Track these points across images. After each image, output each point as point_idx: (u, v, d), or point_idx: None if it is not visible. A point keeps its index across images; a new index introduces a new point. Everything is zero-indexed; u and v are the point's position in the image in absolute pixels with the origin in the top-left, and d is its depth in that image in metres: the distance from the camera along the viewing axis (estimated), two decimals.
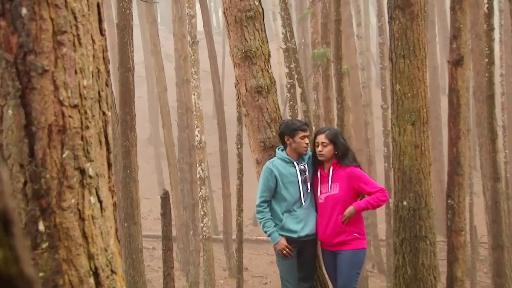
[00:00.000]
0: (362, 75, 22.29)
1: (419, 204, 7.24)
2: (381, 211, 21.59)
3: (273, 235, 6.44)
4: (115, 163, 11.47)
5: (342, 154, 6.40)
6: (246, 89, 6.78)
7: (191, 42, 15.20)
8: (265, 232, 6.56)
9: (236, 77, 6.92)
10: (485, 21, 9.71)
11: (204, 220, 14.85)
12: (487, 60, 9.78)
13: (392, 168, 7.67)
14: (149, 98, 31.16)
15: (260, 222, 6.56)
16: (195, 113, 15.30)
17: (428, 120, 7.35)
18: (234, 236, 17.27)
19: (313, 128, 13.46)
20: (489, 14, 9.29)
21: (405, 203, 7.28)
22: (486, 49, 9.79)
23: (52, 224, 1.85)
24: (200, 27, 21.93)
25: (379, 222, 20.89)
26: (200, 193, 14.88)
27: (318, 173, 6.52)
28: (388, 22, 7.49)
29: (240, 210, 12.69)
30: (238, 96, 7.08)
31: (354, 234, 6.38)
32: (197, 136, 15.00)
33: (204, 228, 14.96)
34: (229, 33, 6.90)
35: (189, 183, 19.01)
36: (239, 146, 12.87)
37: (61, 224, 1.89)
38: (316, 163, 6.54)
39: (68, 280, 1.88)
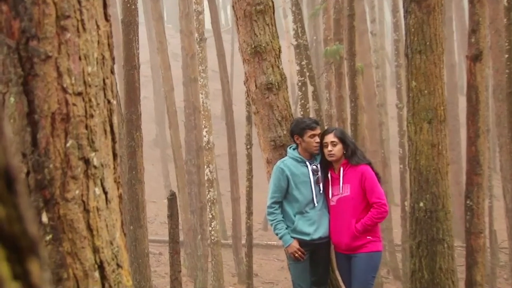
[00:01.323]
0: (377, 73, 22.26)
1: (436, 206, 7.21)
2: (396, 215, 21.56)
3: (284, 238, 6.43)
4: (120, 164, 11.50)
5: (352, 152, 6.40)
6: (255, 86, 6.78)
7: (198, 39, 15.22)
8: (277, 234, 6.55)
9: (245, 73, 6.93)
10: (505, 15, 9.65)
11: (213, 224, 14.86)
12: (507, 56, 9.72)
13: (408, 169, 7.66)
14: (155, 98, 31.22)
15: (271, 224, 6.54)
16: (202, 113, 15.31)
17: (445, 118, 7.32)
18: (243, 241, 17.24)
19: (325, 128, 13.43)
20: (509, 8, 9.24)
21: (421, 204, 7.25)
22: (506, 44, 9.74)
23: (55, 216, 1.85)
24: (207, 25, 21.94)
25: (395, 226, 20.82)
26: (208, 196, 14.89)
27: (329, 175, 6.51)
28: (404, 16, 7.48)
29: (249, 213, 12.68)
30: (247, 93, 7.10)
31: (368, 237, 6.36)
32: (205, 136, 15.01)
33: (213, 232, 14.96)
34: (238, 28, 6.91)
35: (197, 186, 19.01)
36: (248, 147, 12.87)
37: (65, 216, 1.89)
38: (326, 165, 6.53)
39: (72, 273, 1.88)
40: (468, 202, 7.94)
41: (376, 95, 21.44)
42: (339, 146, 6.39)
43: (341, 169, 6.43)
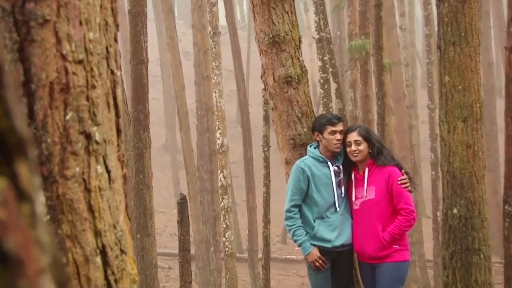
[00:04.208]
0: (406, 72, 22.19)
1: (471, 213, 7.16)
2: (427, 228, 21.46)
3: (304, 245, 6.39)
4: (128, 180, 11.54)
5: (378, 151, 6.35)
6: (273, 79, 6.77)
7: (212, 33, 15.25)
8: (295, 241, 6.52)
9: (262, 66, 6.92)
10: None
11: (227, 234, 14.84)
12: None
13: (440, 176, 7.61)
14: (165, 99, 31.29)
15: (290, 230, 6.51)
16: (216, 113, 15.33)
17: (481, 116, 7.28)
18: (260, 255, 17.22)
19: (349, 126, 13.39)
20: None
21: (455, 211, 7.21)
22: None
23: (54, 195, 1.85)
24: (222, 21, 21.99)
25: (426, 240, 20.72)
26: (222, 204, 14.89)
27: (352, 176, 6.48)
28: (436, 5, 7.45)
29: (267, 221, 12.67)
30: (264, 87, 7.07)
31: (395, 246, 6.32)
32: (219, 139, 15.02)
33: (227, 243, 14.95)
34: (254, 16, 6.91)
35: (210, 194, 19.03)
36: (265, 149, 12.86)
37: (64, 195, 1.88)
38: (349, 166, 6.49)
39: (72, 258, 1.87)
40: (506, 207, 7.88)
41: (405, 95, 21.37)
42: (363, 145, 6.35)
43: (366, 170, 6.39)
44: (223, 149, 14.97)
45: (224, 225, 14.92)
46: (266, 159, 12.79)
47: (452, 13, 7.16)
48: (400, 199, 6.28)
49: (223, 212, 14.94)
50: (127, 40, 14.53)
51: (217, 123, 15.21)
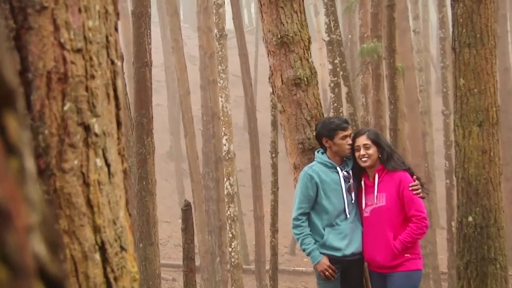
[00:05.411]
0: (420, 77, 22.17)
1: (487, 221, 7.14)
2: (441, 239, 21.41)
3: (313, 254, 6.37)
4: (129, 175, 11.54)
5: (388, 156, 6.32)
6: (282, 81, 6.76)
7: (218, 36, 15.26)
8: (304, 250, 6.50)
9: (270, 67, 6.91)
10: None
11: (233, 244, 14.83)
12: None
13: (455, 185, 7.59)
14: (170, 105, 31.36)
15: (298, 239, 6.49)
16: (222, 118, 15.33)
17: (498, 120, 7.27)
18: (267, 266, 17.20)
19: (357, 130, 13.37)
20: None
21: (470, 219, 7.18)
22: None
23: (51, 189, 1.85)
24: (229, 24, 22.02)
25: (440, 251, 20.67)
26: (228, 212, 14.87)
27: (362, 183, 6.45)
28: (451, 5, 7.44)
29: (274, 231, 12.65)
30: (272, 90, 7.07)
31: (406, 255, 6.30)
32: (225, 145, 15.02)
33: (233, 254, 14.93)
34: (262, 16, 6.91)
35: (215, 202, 19.03)
36: (273, 155, 12.86)
37: (62, 189, 1.88)
38: (359, 172, 6.47)
39: (70, 255, 1.87)
40: None
41: (419, 101, 21.35)
42: (373, 149, 6.31)
43: (376, 175, 6.36)
44: (229, 155, 14.95)
45: (230, 235, 14.90)
46: (274, 166, 12.78)
47: (467, 13, 7.15)
48: (411, 205, 6.25)
49: (229, 221, 14.92)
50: (130, 43, 14.52)
51: (223, 128, 15.21)
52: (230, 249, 15.15)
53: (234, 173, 15.23)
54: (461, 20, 7.19)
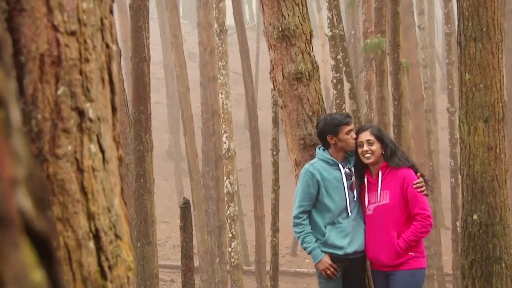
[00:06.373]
0: (425, 73, 22.17)
1: (492, 219, 7.12)
2: (446, 240, 21.39)
3: (314, 252, 6.36)
4: (126, 173, 11.52)
5: (391, 152, 6.31)
6: (283, 75, 6.75)
7: (218, 31, 15.26)
8: (305, 248, 6.50)
9: (271, 61, 6.91)
10: None
11: (233, 244, 14.83)
12: None
13: (460, 184, 7.57)
14: (169, 103, 31.35)
15: (299, 237, 6.49)
16: (222, 116, 15.33)
17: (504, 116, 7.25)
18: (268, 267, 17.20)
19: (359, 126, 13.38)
20: None
21: (475, 217, 7.17)
22: None
23: (44, 175, 1.84)
24: (229, 21, 22.02)
25: (445, 252, 20.66)
26: (228, 212, 14.87)
27: (365, 180, 6.45)
28: None
29: (275, 230, 12.66)
30: (273, 84, 7.06)
31: (410, 253, 6.30)
32: (225, 143, 15.02)
33: (233, 254, 14.94)
34: (263, 9, 6.90)
35: (215, 202, 19.04)
36: (275, 153, 12.86)
37: (55, 175, 1.88)
38: (361, 169, 6.46)
39: (63, 242, 1.86)
40: None
41: (423, 98, 21.33)
42: (376, 145, 6.31)
43: (380, 173, 6.35)
44: (229, 153, 14.95)
45: (230, 235, 14.91)
46: (275, 164, 12.78)
47: (473, 6, 7.13)
48: (415, 203, 6.24)
49: (229, 220, 14.92)
50: (128, 39, 14.50)
51: (224, 126, 15.21)
52: (230, 249, 15.15)
53: (234, 172, 15.23)
54: (467, 13, 7.16)
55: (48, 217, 0.89)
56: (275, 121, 12.91)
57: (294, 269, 22.36)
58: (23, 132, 0.86)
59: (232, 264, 15.15)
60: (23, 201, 0.78)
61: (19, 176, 0.78)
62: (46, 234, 0.83)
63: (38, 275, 0.80)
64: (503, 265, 7.10)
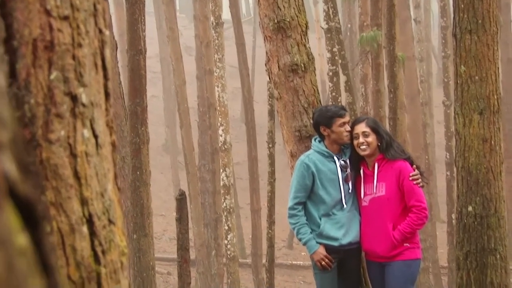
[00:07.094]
0: (420, 67, 22.17)
1: (487, 210, 7.13)
2: (442, 233, 21.43)
3: (309, 243, 6.37)
4: (123, 166, 11.52)
5: (387, 144, 6.32)
6: (278, 67, 6.75)
7: (214, 24, 15.24)
8: (300, 239, 6.51)
9: (266, 53, 6.91)
10: None
11: (229, 237, 14.84)
12: None
13: (455, 177, 7.57)
14: (165, 97, 31.35)
15: (294, 228, 6.50)
16: (218, 109, 15.33)
17: (499, 108, 7.25)
18: (264, 260, 17.22)
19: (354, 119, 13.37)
20: None
21: (470, 208, 7.18)
22: None
23: (37, 160, 1.84)
24: (226, 15, 21.99)
25: (440, 245, 20.69)
26: (224, 204, 14.88)
27: (361, 172, 6.45)
28: None
29: (271, 222, 12.65)
30: (269, 76, 7.05)
31: (405, 244, 6.31)
32: (221, 136, 15.02)
33: (229, 246, 14.95)
34: (259, 0, 6.90)
35: (211, 195, 19.05)
36: (270, 146, 12.85)
37: (48, 160, 1.87)
38: (357, 161, 6.46)
39: (56, 227, 1.86)
40: None
41: (419, 92, 21.34)
42: (372, 137, 6.30)
43: (376, 165, 6.36)
44: (225, 146, 14.96)
45: (226, 227, 14.91)
46: (271, 156, 12.77)
47: None
48: (411, 195, 6.25)
49: (225, 213, 14.93)
50: (124, 32, 14.47)
51: (220, 119, 15.21)
52: (226, 242, 15.16)
53: (231, 165, 15.24)
54: (462, 5, 7.16)
55: (33, 183, 0.88)
56: (271, 114, 12.90)
57: (290, 262, 22.38)
58: (7, 95, 0.85)
59: (229, 256, 15.16)
60: (8, 165, 0.77)
61: (4, 140, 0.78)
62: (30, 198, 0.82)
63: (22, 239, 0.80)
64: (498, 256, 7.11)
